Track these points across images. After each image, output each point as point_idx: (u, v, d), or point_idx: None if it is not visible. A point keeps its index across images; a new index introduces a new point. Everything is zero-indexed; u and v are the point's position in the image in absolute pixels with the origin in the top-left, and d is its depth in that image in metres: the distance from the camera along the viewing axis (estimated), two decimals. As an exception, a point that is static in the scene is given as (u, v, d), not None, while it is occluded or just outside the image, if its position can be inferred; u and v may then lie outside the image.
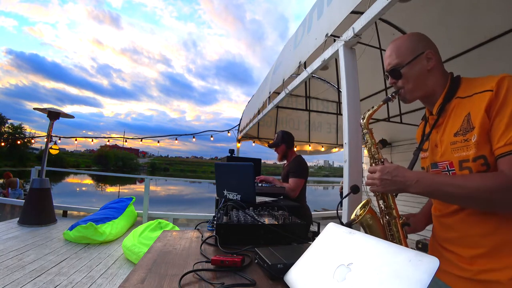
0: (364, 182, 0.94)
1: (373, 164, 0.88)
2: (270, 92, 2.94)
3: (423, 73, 0.83)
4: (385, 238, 0.86)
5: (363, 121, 0.91)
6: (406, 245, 0.84)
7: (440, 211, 0.85)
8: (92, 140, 7.21)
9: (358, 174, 1.34)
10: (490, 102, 0.68)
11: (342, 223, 0.87)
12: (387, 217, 0.86)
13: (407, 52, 0.84)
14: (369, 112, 0.90)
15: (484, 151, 0.69)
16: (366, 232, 0.87)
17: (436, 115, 0.83)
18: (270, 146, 2.50)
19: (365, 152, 0.95)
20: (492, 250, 0.71)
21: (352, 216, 0.89)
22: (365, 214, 0.85)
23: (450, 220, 0.80)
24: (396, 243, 0.82)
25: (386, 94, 0.98)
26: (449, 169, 0.77)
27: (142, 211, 4.45)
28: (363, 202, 0.90)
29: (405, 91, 0.87)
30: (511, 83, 0.67)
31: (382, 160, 0.87)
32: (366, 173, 0.87)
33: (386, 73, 0.92)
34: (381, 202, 0.88)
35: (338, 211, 0.90)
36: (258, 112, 3.64)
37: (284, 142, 2.34)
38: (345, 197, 1.02)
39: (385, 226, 0.87)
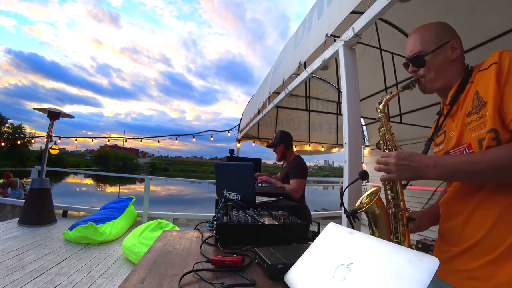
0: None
1: (387, 150, 0.84)
2: (270, 92, 2.95)
3: (446, 63, 0.81)
4: (389, 230, 0.83)
5: (380, 104, 0.88)
6: (409, 240, 0.82)
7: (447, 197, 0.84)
8: (92, 140, 7.21)
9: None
10: (497, 74, 0.66)
11: (346, 211, 0.84)
12: (394, 208, 0.83)
13: (432, 40, 0.82)
14: (387, 97, 0.88)
15: (496, 124, 0.66)
16: (369, 222, 0.85)
17: (449, 105, 0.82)
18: (268, 146, 2.49)
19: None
20: (463, 224, 0.74)
21: (357, 204, 0.86)
22: (373, 203, 0.81)
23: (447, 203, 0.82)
24: (399, 237, 0.81)
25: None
26: (467, 151, 0.73)
27: (142, 211, 4.45)
28: (370, 190, 0.87)
29: (426, 81, 0.85)
30: None
31: (396, 147, 0.83)
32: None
33: (406, 61, 0.89)
34: (389, 192, 0.84)
35: (342, 199, 0.90)
36: (258, 112, 3.65)
37: (282, 142, 2.33)
38: (353, 182, 1.00)
39: (391, 218, 0.83)
